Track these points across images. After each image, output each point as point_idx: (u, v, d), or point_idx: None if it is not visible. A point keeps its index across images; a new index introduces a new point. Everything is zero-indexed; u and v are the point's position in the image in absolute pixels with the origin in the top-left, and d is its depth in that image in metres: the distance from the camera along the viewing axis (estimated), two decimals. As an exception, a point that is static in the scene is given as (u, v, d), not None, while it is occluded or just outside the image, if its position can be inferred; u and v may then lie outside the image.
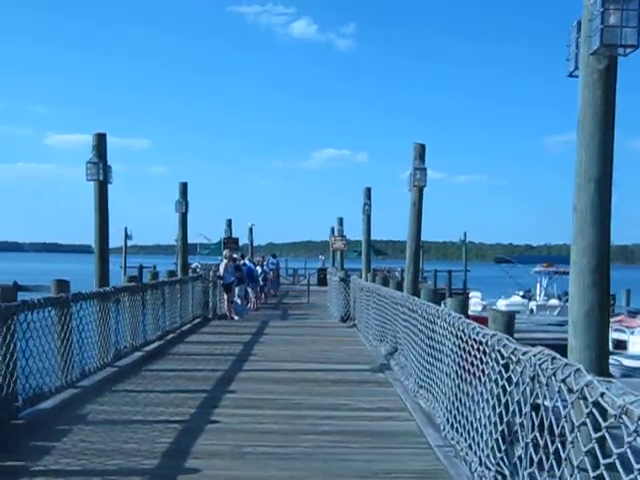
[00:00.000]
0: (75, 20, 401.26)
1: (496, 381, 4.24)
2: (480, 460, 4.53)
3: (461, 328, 5.29)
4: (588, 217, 4.69)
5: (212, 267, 20.94)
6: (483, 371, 4.65)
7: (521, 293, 25.69)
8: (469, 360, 5.02)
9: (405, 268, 13.69)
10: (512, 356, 3.89)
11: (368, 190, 20.72)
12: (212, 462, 5.17)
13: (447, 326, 5.85)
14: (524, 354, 3.68)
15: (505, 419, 4.06)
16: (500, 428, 4.14)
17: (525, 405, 3.70)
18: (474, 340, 4.86)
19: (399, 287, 11.75)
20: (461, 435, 5.16)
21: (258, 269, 23.05)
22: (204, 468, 4.98)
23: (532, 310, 23.84)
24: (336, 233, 28.80)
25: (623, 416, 2.39)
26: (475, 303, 23.20)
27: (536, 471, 3.51)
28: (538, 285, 25.73)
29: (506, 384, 4.05)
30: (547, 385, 3.32)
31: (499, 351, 4.17)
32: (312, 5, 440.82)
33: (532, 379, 3.53)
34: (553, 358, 3.28)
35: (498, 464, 4.17)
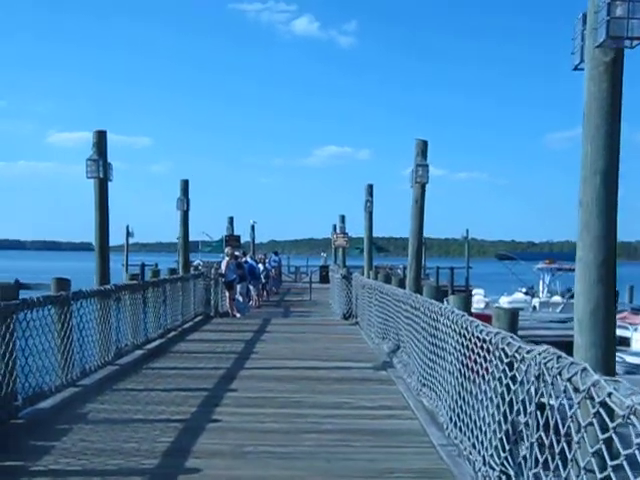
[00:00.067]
0: (76, 17, 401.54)
1: (500, 380, 4.19)
2: (484, 459, 4.47)
3: (464, 326, 5.23)
4: (594, 210, 4.63)
5: (214, 265, 20.90)
6: (487, 369, 4.60)
7: (524, 290, 25.64)
8: (472, 358, 4.97)
9: (407, 265, 13.65)
10: (516, 354, 3.84)
11: (370, 187, 20.68)
12: (213, 461, 5.12)
13: (450, 324, 5.79)
14: (529, 352, 3.62)
15: (509, 418, 4.00)
16: (504, 427, 4.08)
17: (530, 404, 3.65)
18: (478, 338, 4.80)
19: (401, 284, 11.68)
20: (464, 434, 5.11)
21: (260, 266, 23.00)
22: (205, 468, 4.93)
23: (535, 307, 23.80)
24: (338, 230, 28.85)
25: (631, 416, 2.33)
26: (478, 300, 23.15)
27: (541, 471, 3.45)
28: (541, 282, 25.67)
29: (510, 383, 4.00)
30: (552, 384, 3.26)
31: (503, 349, 4.12)
32: (314, 2, 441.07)
33: (537, 378, 3.47)
34: (558, 357, 3.22)
35: (502, 464, 4.12)
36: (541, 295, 25.06)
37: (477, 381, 4.91)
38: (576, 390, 2.89)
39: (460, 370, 5.42)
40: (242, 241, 29.08)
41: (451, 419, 5.63)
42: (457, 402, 5.45)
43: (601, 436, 2.62)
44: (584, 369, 2.86)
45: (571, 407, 2.98)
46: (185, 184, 17.58)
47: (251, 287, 20.33)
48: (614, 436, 2.55)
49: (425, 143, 12.61)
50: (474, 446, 4.77)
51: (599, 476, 2.68)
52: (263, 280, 23.38)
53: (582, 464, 2.86)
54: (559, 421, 3.19)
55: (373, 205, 20.63)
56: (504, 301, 23.18)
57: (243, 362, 9.91)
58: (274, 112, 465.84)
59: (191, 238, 20.12)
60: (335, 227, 30.74)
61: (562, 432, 3.11)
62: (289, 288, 31.44)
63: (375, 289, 12.72)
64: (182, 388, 7.86)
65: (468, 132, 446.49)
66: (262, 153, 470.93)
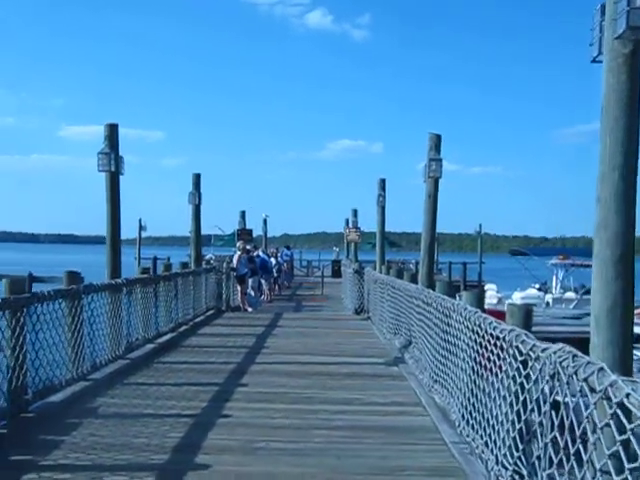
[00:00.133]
0: (92, 12, 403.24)
1: (514, 378, 4.11)
2: (497, 458, 4.41)
3: (477, 323, 5.16)
4: (612, 206, 4.54)
5: (226, 259, 20.90)
6: (500, 367, 4.52)
7: (537, 286, 25.39)
8: (486, 355, 4.89)
9: (420, 260, 13.54)
10: (531, 352, 3.76)
11: (382, 181, 20.56)
12: (223, 457, 5.09)
13: (463, 320, 5.72)
14: (543, 351, 3.55)
15: (523, 417, 3.93)
16: (518, 426, 4.01)
17: (544, 404, 3.57)
18: (491, 335, 4.73)
19: (413, 279, 11.59)
20: (477, 432, 5.03)
21: (272, 260, 22.97)
22: (214, 464, 4.90)
23: (548, 303, 23.56)
24: (350, 225, 28.72)
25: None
26: (491, 296, 22.93)
27: (555, 472, 3.38)
28: (554, 278, 25.40)
29: (524, 381, 3.93)
30: (568, 384, 3.19)
31: (517, 347, 4.04)
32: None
33: (552, 377, 3.40)
34: (574, 355, 3.15)
35: (515, 463, 4.05)
36: (554, 291, 24.81)
37: (490, 379, 4.84)
38: (592, 390, 2.82)
39: (473, 367, 5.34)
40: (254, 235, 29.01)
41: (463, 416, 5.56)
42: (469, 399, 5.37)
43: (618, 437, 2.55)
44: (601, 369, 2.79)
45: (587, 407, 2.91)
46: (197, 178, 17.55)
47: (263, 281, 20.31)
48: (632, 438, 2.49)
49: (439, 137, 12.48)
50: (487, 444, 4.70)
51: (616, 478, 2.62)
52: (275, 274, 23.36)
53: (598, 466, 2.79)
54: (574, 421, 3.12)
55: (386, 200, 20.53)
56: (517, 297, 22.97)
57: (254, 357, 9.88)
58: (287, 106, 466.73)
59: (203, 232, 20.12)
60: (347, 221, 30.64)
61: (577, 432, 3.05)
62: (301, 282, 31.41)
63: (387, 284, 12.64)
64: (193, 382, 7.84)
65: (482, 125, 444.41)
66: (275, 147, 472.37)
